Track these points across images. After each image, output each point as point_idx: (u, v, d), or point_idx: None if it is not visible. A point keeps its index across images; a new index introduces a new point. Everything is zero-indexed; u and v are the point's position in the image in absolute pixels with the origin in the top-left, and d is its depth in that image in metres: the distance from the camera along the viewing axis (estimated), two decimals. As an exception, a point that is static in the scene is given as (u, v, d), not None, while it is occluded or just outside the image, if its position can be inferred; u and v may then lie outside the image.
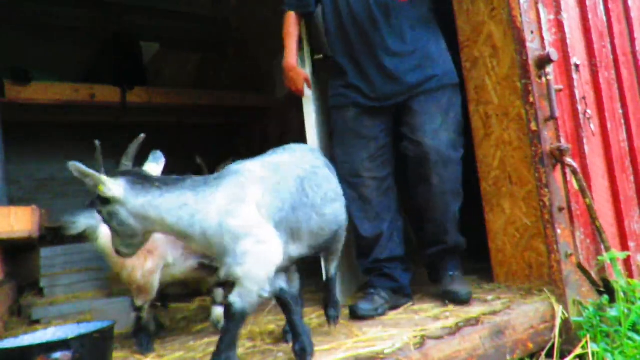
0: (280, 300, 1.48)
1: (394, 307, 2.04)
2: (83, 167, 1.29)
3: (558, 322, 1.77)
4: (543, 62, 1.92)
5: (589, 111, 2.10)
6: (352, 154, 2.14)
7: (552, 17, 2.06)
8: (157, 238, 1.75)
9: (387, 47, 2.06)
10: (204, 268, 1.94)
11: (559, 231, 1.88)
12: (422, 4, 2.14)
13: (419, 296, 2.21)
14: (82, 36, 4.89)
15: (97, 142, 1.37)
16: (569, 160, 1.89)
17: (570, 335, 1.79)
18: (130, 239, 1.40)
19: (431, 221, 2.12)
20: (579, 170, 1.90)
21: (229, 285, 1.46)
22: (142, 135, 1.55)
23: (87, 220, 1.78)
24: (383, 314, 1.97)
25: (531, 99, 1.93)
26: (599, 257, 1.94)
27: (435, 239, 2.13)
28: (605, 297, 1.86)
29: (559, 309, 1.80)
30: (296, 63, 2.24)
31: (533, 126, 1.93)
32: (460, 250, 2.16)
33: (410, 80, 2.05)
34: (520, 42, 1.96)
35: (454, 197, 2.09)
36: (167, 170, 1.61)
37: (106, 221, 1.39)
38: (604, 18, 2.26)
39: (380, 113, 2.13)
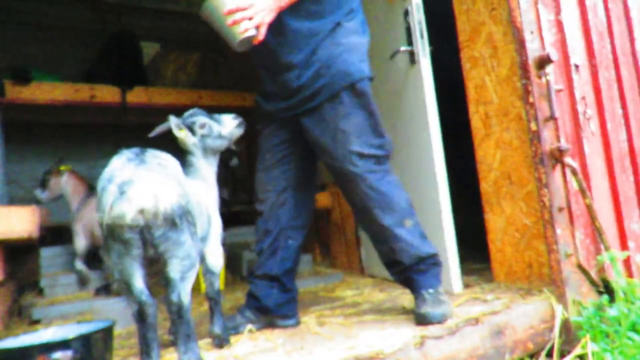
0: None
1: (266, 327, 1.95)
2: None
3: (558, 322, 1.77)
4: (543, 62, 1.93)
5: (588, 111, 2.10)
6: (257, 168, 2.05)
7: (552, 17, 2.06)
8: None
9: (277, 56, 1.86)
10: None
11: (558, 231, 1.88)
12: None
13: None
14: (82, 36, 4.89)
15: None
16: (568, 160, 1.89)
17: (570, 335, 1.79)
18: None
19: (375, 242, 1.92)
20: (578, 170, 1.91)
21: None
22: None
23: None
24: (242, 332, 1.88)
25: (531, 99, 1.93)
26: (599, 257, 1.94)
27: (388, 260, 1.90)
28: (605, 297, 1.86)
29: (558, 309, 1.80)
30: None
31: (533, 126, 1.93)
32: (430, 263, 1.85)
33: (295, 97, 1.86)
34: (520, 42, 1.96)
35: (385, 211, 1.81)
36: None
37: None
38: (604, 18, 2.26)
39: (277, 125, 2.00)
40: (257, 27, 1.67)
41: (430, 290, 1.80)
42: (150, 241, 1.32)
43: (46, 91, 3.72)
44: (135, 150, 1.41)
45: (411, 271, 1.85)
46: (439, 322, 1.70)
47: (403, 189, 1.87)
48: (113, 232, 1.30)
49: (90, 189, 3.06)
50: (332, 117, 1.81)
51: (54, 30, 4.78)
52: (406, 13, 2.27)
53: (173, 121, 1.76)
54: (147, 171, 1.32)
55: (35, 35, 4.62)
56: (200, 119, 1.82)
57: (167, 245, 1.34)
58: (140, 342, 1.36)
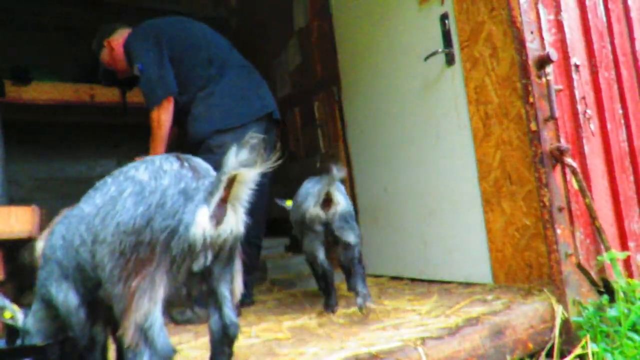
0: None
1: None
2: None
3: (558, 322, 1.77)
4: (543, 62, 1.92)
5: (588, 111, 2.10)
6: None
7: (552, 17, 2.06)
8: None
9: None
10: None
11: (558, 231, 1.88)
12: None
13: (419, 296, 2.21)
14: (82, 36, 4.89)
15: None
16: (568, 160, 1.89)
17: (570, 335, 1.79)
18: None
19: None
20: (578, 170, 1.90)
21: None
22: None
23: None
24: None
25: (531, 99, 1.93)
26: (599, 257, 1.94)
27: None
28: (605, 297, 1.86)
29: (558, 309, 1.80)
30: None
31: (533, 126, 1.93)
32: None
33: None
34: (520, 42, 1.95)
35: None
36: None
37: None
38: (604, 18, 2.26)
39: None
40: None
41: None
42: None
43: (46, 91, 3.73)
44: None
45: None
46: None
47: None
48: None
49: None
50: None
51: (54, 30, 4.77)
52: (443, 17, 2.40)
53: None
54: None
55: (35, 36, 4.61)
56: None
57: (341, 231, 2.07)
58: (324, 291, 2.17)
